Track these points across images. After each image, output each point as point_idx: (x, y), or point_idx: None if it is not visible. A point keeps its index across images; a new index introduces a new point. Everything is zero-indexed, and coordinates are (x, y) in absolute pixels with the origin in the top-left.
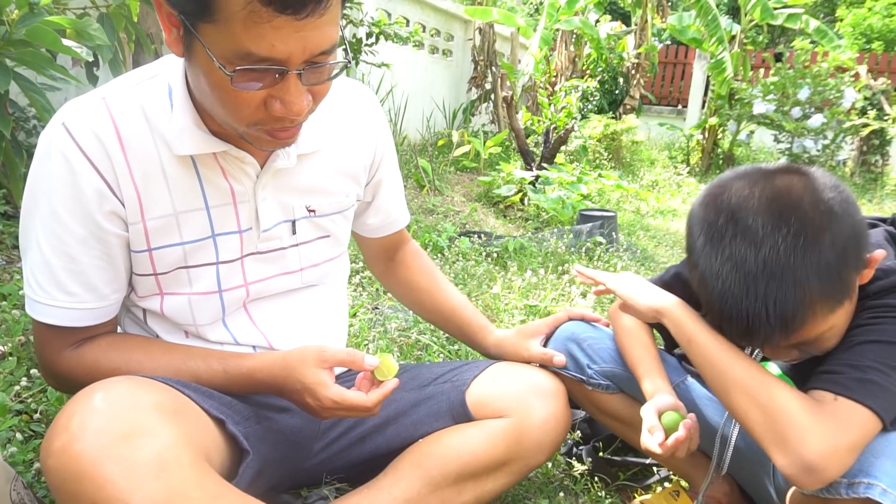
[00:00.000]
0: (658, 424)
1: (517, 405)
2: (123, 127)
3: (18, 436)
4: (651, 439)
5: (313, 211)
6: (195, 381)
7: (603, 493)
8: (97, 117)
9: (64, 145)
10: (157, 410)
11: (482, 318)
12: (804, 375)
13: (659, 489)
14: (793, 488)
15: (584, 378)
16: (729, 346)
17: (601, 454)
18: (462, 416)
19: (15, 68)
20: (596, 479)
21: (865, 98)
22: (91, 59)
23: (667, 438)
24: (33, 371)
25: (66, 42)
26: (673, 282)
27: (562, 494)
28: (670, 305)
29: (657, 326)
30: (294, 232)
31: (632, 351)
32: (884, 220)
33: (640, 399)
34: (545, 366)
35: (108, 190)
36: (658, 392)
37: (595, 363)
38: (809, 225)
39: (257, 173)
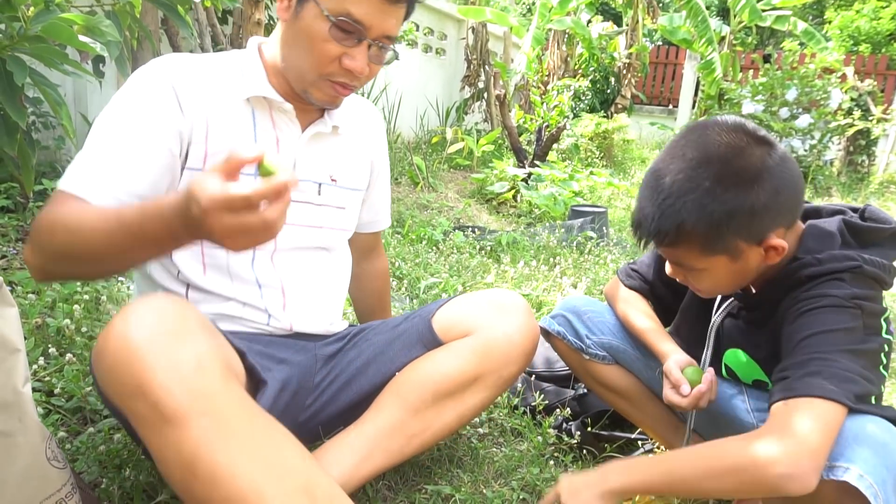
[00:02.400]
0: (684, 378)
1: (481, 322)
2: (201, 73)
3: (40, 409)
4: (675, 393)
5: (335, 180)
6: (118, 219)
7: (591, 464)
8: (181, 62)
9: (151, 73)
10: (199, 323)
11: None
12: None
13: None
14: None
15: (582, 347)
16: (674, 455)
17: (590, 429)
18: (431, 342)
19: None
20: (584, 451)
21: (852, 99)
22: (105, 54)
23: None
24: (51, 350)
25: (81, 38)
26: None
27: (552, 464)
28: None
29: (652, 303)
30: (319, 193)
31: (636, 320)
32: (854, 210)
33: (633, 371)
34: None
35: (180, 111)
36: (674, 352)
37: (594, 334)
38: (721, 179)
39: (298, 135)
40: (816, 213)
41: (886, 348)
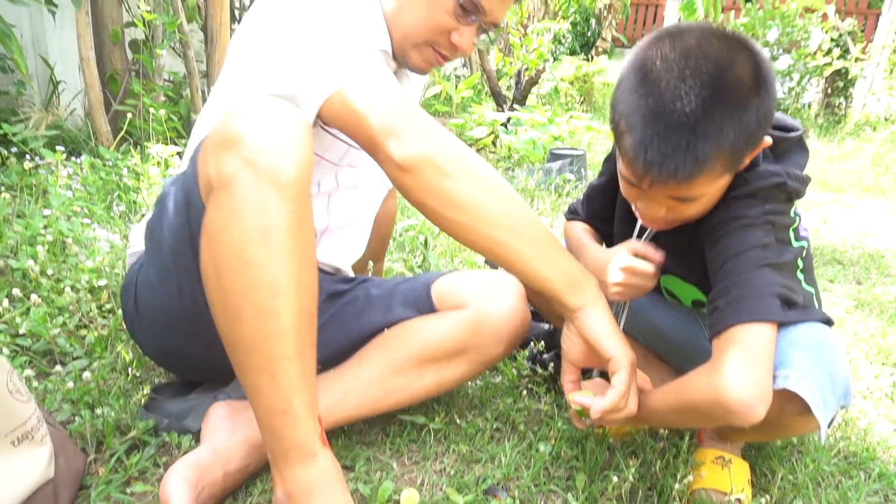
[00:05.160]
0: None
1: (476, 297)
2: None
3: (6, 350)
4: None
5: None
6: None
7: (563, 395)
8: None
9: None
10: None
11: None
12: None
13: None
14: None
15: None
16: (653, 391)
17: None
18: (427, 307)
19: None
20: (557, 382)
21: (832, 39)
22: None
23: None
24: (14, 291)
25: None
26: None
27: (525, 395)
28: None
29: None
30: None
31: (585, 251)
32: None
33: None
34: None
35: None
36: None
37: None
38: (739, 87)
39: None
40: None
41: (804, 254)
